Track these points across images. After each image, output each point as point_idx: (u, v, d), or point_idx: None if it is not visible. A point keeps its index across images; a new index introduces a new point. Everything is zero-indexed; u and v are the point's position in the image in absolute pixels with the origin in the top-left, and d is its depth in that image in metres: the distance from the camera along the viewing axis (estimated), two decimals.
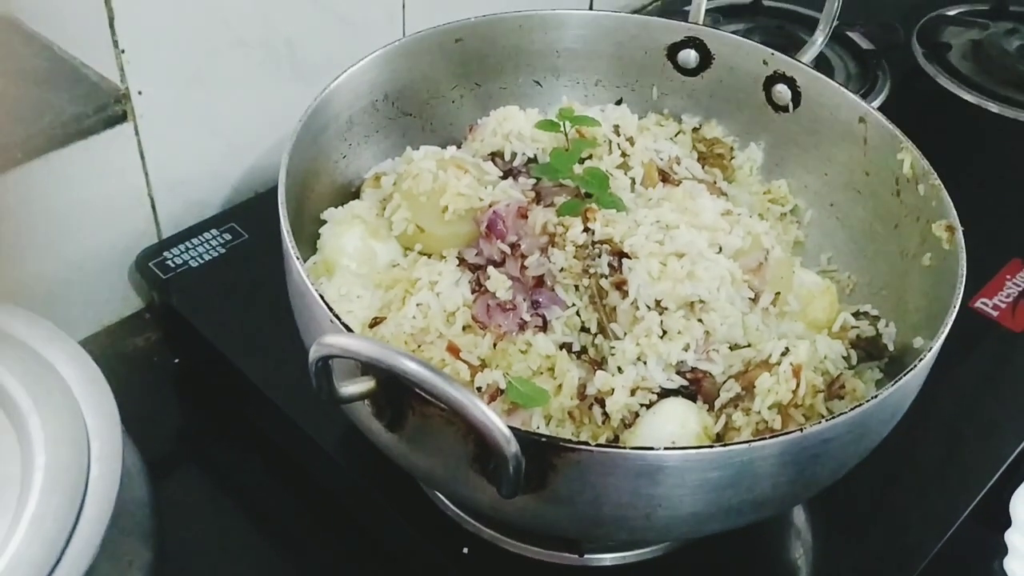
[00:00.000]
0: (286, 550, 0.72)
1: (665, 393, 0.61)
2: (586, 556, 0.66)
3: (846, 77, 1.14)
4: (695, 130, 0.83)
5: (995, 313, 0.87)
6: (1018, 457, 0.75)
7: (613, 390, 0.61)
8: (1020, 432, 0.77)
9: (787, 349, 0.61)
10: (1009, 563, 0.68)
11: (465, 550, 0.66)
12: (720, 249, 0.65)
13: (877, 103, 1.10)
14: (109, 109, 0.74)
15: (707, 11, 0.86)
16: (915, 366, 0.55)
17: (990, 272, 0.90)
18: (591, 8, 1.16)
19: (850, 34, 1.18)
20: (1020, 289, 0.89)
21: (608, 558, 0.67)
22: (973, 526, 0.71)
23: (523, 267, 0.65)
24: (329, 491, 0.74)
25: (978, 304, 0.87)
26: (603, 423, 0.61)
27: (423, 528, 0.68)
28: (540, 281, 0.65)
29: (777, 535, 0.71)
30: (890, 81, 1.13)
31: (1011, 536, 0.69)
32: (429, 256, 0.69)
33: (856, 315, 0.69)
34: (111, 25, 0.73)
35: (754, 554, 0.70)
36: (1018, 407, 0.80)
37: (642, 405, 0.61)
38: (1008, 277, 0.90)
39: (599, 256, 0.64)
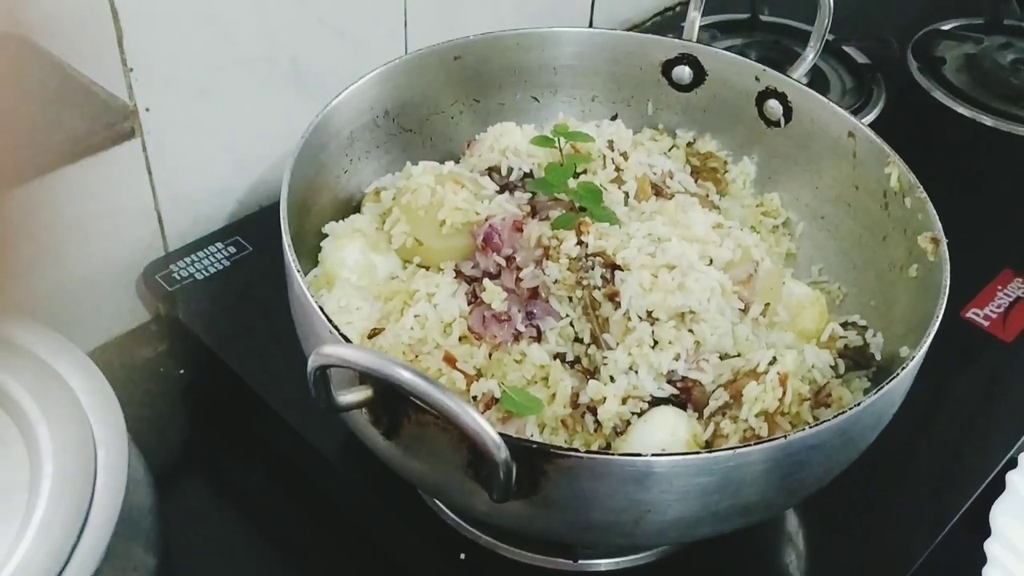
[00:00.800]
0: (288, 556, 0.73)
1: (656, 402, 0.62)
2: (581, 561, 0.67)
3: (842, 91, 1.15)
4: (689, 144, 0.84)
5: (986, 323, 0.87)
6: (1003, 467, 0.76)
7: (605, 399, 0.62)
8: (1009, 441, 0.78)
9: (774, 358, 0.62)
10: (988, 573, 0.68)
11: (462, 556, 0.67)
12: (711, 261, 0.66)
13: (872, 116, 1.11)
14: (118, 126, 0.75)
15: (705, 27, 0.87)
16: (898, 374, 0.56)
17: (982, 283, 0.91)
18: (591, 25, 1.17)
19: (846, 48, 1.19)
20: (1011, 299, 0.90)
21: (603, 563, 0.68)
22: (961, 534, 0.72)
23: (518, 279, 0.66)
24: (330, 498, 0.75)
25: (969, 314, 0.88)
26: (595, 431, 0.62)
27: (422, 534, 0.69)
28: (535, 293, 0.66)
29: (770, 541, 0.72)
30: (885, 95, 1.14)
31: (990, 545, 0.69)
32: (427, 269, 0.70)
33: (844, 325, 0.70)
34: (119, 44, 0.74)
35: (747, 559, 0.71)
36: (1008, 416, 0.81)
37: (633, 413, 0.62)
38: (999, 288, 0.91)
39: (592, 268, 0.65)
